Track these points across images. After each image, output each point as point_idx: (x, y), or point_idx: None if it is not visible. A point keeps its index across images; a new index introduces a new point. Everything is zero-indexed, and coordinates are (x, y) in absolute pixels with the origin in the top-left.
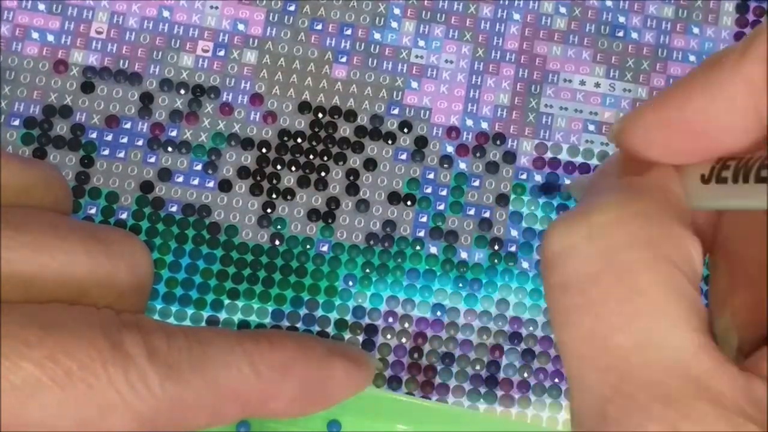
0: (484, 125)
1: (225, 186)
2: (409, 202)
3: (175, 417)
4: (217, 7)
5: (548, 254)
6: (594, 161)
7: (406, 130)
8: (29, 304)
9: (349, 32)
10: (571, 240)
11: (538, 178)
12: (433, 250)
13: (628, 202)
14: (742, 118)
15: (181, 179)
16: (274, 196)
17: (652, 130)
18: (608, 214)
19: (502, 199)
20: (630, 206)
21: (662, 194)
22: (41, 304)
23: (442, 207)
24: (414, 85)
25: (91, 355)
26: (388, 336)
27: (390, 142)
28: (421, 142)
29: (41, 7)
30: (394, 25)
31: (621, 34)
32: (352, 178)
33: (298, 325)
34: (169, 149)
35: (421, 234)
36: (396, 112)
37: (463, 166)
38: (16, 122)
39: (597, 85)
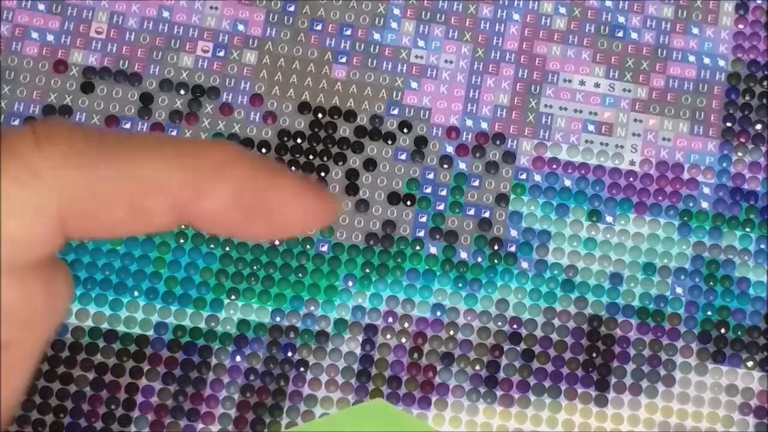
0: (484, 125)
1: None
2: (408, 202)
3: (81, 207)
4: (216, 8)
5: None
6: (593, 161)
7: (405, 130)
8: None
9: (348, 32)
10: None
11: (538, 177)
12: (433, 250)
13: None
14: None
15: None
16: None
17: None
18: None
19: (501, 199)
20: None
21: None
22: None
23: (441, 207)
24: (414, 85)
25: None
26: (388, 336)
27: (390, 142)
28: (421, 142)
29: (41, 7)
30: (394, 25)
31: (621, 34)
32: (351, 178)
33: (298, 324)
34: None
35: (421, 234)
36: (396, 112)
37: (462, 166)
38: (16, 122)
39: (596, 85)
